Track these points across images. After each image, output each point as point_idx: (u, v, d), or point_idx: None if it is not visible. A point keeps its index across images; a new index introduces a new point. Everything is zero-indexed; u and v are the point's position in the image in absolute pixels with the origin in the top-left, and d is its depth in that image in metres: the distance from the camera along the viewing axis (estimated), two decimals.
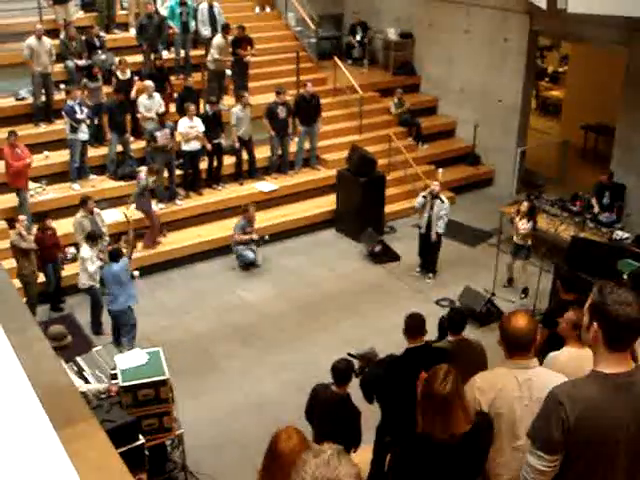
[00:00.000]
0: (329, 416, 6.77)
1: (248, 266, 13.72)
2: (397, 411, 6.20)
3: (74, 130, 13.52)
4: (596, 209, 13.73)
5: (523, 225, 12.30)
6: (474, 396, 4.21)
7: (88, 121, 13.89)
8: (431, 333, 7.36)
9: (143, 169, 13.47)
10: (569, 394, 3.27)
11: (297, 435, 3.61)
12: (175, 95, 15.49)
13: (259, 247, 13.84)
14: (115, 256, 10.64)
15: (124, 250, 11.26)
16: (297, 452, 3.11)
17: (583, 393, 3.26)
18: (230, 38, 16.13)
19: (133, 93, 14.78)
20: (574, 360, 4.87)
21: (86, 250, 11.17)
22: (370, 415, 6.96)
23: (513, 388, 4.16)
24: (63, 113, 13.64)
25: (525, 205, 12.40)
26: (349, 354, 7.42)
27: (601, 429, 3.24)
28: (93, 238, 11.28)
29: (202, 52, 16.49)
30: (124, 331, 10.70)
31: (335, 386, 6.79)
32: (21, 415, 2.00)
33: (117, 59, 15.25)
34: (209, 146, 14.55)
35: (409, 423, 4.26)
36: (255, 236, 13.70)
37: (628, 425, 3.24)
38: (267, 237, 14.18)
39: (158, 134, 13.89)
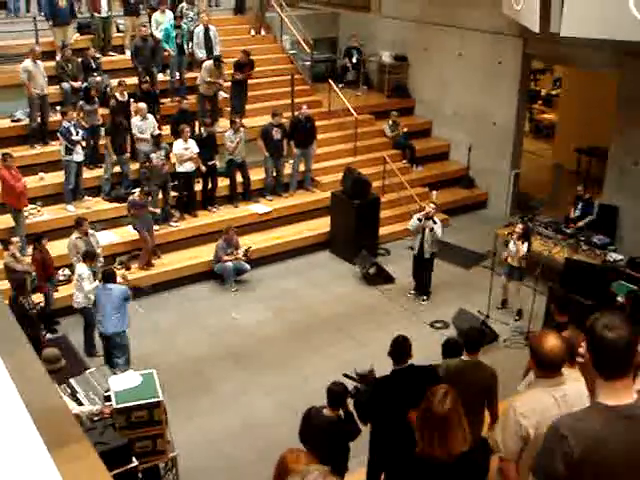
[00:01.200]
0: (322, 439, 6.76)
1: (240, 275, 13.83)
2: (384, 431, 6.21)
3: (69, 151, 13.52)
4: (572, 214, 14.50)
5: (519, 247, 12.28)
6: (519, 423, 4.14)
7: (84, 143, 13.92)
8: (425, 355, 7.38)
9: (136, 192, 13.48)
10: (572, 427, 3.22)
11: (306, 457, 3.56)
12: (164, 117, 15.53)
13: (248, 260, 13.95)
14: (109, 278, 10.58)
15: (118, 272, 11.24)
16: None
17: (587, 426, 3.20)
18: (233, 61, 16.27)
19: (133, 115, 14.83)
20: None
21: (83, 268, 11.14)
22: (363, 434, 6.96)
23: (553, 408, 4.12)
24: (58, 134, 13.65)
25: (520, 227, 12.43)
26: (345, 375, 7.42)
27: (606, 463, 3.18)
28: (91, 257, 11.24)
29: (197, 74, 16.56)
30: (117, 353, 10.63)
31: (328, 409, 6.78)
32: (13, 436, 2.00)
33: (117, 81, 15.31)
34: (203, 168, 14.57)
35: (396, 443, 4.26)
36: (240, 253, 13.79)
37: (632, 459, 3.19)
38: (252, 247, 14.22)
39: (153, 156, 13.92)
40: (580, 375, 4.38)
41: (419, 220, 12.83)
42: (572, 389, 4.15)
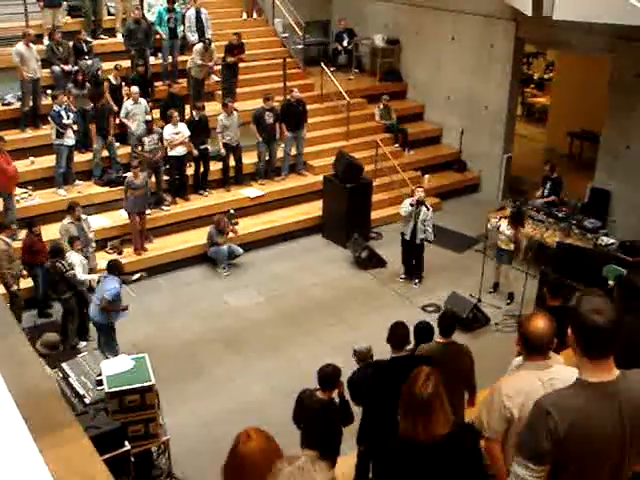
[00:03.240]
0: (315, 422, 6.79)
1: (233, 259, 13.90)
2: (380, 419, 6.23)
3: (60, 135, 13.46)
4: (538, 194, 14.52)
5: (508, 231, 12.31)
6: (503, 403, 4.17)
7: (75, 126, 13.86)
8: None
9: (129, 174, 13.43)
10: (556, 404, 3.26)
11: (258, 435, 3.53)
12: (156, 101, 15.51)
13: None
14: (111, 268, 10.49)
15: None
16: (258, 453, 3.10)
17: (571, 403, 3.25)
18: (224, 44, 16.19)
19: (125, 99, 14.77)
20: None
21: (74, 256, 11.13)
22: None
23: (538, 390, 4.14)
24: (49, 118, 13.58)
25: (510, 211, 12.45)
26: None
27: (590, 439, 3.23)
28: (75, 240, 11.26)
29: (189, 58, 16.49)
30: (106, 344, 10.58)
31: (320, 392, 6.81)
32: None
33: (110, 65, 15.26)
34: (195, 152, 14.54)
35: (391, 431, 4.26)
36: (231, 227, 13.99)
37: (614, 434, 3.24)
38: (232, 211, 14.45)
39: (145, 139, 13.88)
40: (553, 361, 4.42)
41: (411, 205, 12.80)
42: (560, 375, 4.17)
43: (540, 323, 4.22)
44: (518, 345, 4.37)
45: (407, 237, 13.12)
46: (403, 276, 13.62)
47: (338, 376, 6.87)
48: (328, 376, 6.80)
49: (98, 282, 10.93)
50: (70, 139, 13.65)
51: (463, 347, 7.33)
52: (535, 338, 4.20)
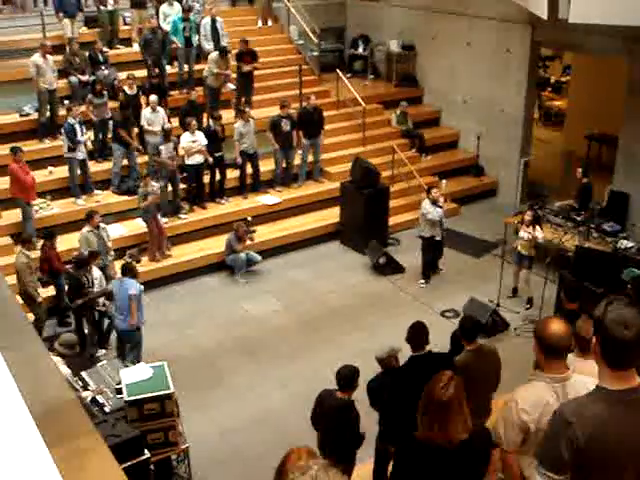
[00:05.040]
0: (334, 421, 6.82)
1: (251, 266, 13.93)
2: (400, 419, 6.22)
3: (71, 149, 13.54)
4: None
5: (529, 234, 12.24)
6: (521, 419, 4.13)
7: (89, 143, 13.96)
8: (436, 343, 7.39)
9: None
10: (577, 413, 3.21)
11: (307, 456, 3.54)
12: (172, 110, 15.55)
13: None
14: (125, 271, 10.50)
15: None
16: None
17: (591, 412, 3.19)
18: (234, 52, 16.24)
19: (144, 108, 14.84)
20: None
21: (96, 271, 11.22)
22: (370, 426, 6.99)
23: (554, 404, 4.09)
24: (62, 131, 13.64)
25: (529, 214, 12.39)
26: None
27: (611, 447, 3.17)
28: (95, 256, 11.32)
29: (205, 66, 16.54)
30: (130, 349, 10.63)
31: (340, 392, 6.83)
32: (13, 432, 1.99)
33: (125, 74, 15.35)
34: (210, 159, 14.56)
35: (411, 431, 4.26)
36: (248, 235, 13.96)
37: (635, 442, 3.18)
38: (249, 218, 14.48)
39: (162, 148, 13.93)
40: (591, 368, 4.35)
41: (439, 207, 13.07)
42: (576, 387, 4.11)
43: (556, 326, 4.12)
44: (535, 351, 4.30)
45: (438, 237, 13.31)
46: (423, 282, 13.60)
47: (357, 377, 6.90)
48: (346, 377, 6.84)
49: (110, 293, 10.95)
50: (81, 153, 13.71)
51: (491, 348, 7.33)
52: (552, 342, 4.10)
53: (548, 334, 4.11)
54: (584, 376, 4.20)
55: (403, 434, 5.15)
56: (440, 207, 13.05)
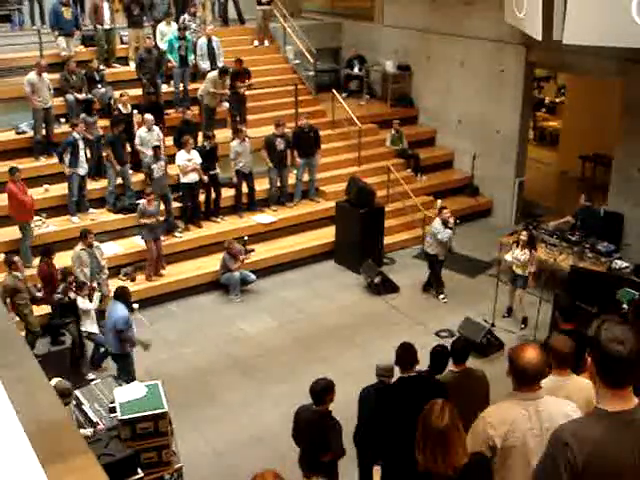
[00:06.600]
0: (311, 433, 6.88)
1: (246, 285, 13.91)
2: (389, 439, 6.21)
3: (73, 164, 13.55)
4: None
5: (523, 255, 12.26)
6: (487, 432, 4.16)
7: (89, 154, 13.97)
8: (429, 364, 7.39)
9: (142, 202, 13.48)
10: (574, 434, 3.19)
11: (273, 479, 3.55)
12: (169, 129, 15.59)
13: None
14: (118, 296, 10.23)
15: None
16: None
17: (589, 433, 3.17)
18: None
19: (136, 127, 14.86)
20: (549, 390, 4.75)
21: (85, 304, 11.18)
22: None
23: (524, 421, 4.10)
24: (65, 144, 13.61)
25: (525, 234, 12.41)
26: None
27: (609, 469, 3.15)
28: (81, 286, 11.30)
29: (201, 86, 16.59)
30: (120, 369, 10.48)
31: (315, 406, 6.98)
32: (7, 449, 1.99)
33: (119, 92, 15.35)
34: (205, 178, 14.57)
35: (400, 451, 4.25)
36: (243, 254, 13.95)
37: (633, 464, 3.16)
38: (246, 238, 14.47)
39: (154, 167, 13.92)
40: (567, 391, 4.35)
41: (450, 229, 13.19)
42: (548, 407, 4.13)
43: (529, 354, 4.16)
44: (508, 375, 4.31)
45: (442, 257, 13.42)
46: (444, 296, 13.74)
47: (329, 390, 6.98)
48: (317, 393, 6.96)
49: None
50: (83, 169, 13.73)
51: (478, 372, 7.28)
52: (524, 370, 4.14)
53: (521, 364, 4.15)
54: (560, 399, 4.24)
55: (393, 454, 5.16)
56: (450, 229, 13.11)
